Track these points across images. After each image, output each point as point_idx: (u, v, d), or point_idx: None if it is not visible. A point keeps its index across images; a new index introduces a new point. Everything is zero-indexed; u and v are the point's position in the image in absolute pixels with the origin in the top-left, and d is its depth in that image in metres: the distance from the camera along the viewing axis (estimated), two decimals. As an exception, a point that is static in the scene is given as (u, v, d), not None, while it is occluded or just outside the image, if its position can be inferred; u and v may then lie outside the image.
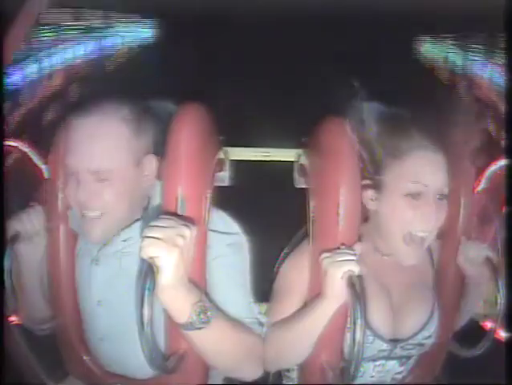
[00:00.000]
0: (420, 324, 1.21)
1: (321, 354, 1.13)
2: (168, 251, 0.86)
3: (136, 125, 1.11)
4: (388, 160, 1.12)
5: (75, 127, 1.09)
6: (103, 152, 1.07)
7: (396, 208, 1.11)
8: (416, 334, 1.20)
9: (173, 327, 1.01)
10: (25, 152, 1.36)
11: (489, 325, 1.21)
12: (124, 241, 1.15)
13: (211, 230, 1.10)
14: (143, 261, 0.87)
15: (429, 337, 1.22)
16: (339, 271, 0.99)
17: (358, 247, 1.06)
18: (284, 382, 1.37)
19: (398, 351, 1.20)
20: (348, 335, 1.06)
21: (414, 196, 1.10)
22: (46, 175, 1.26)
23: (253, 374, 1.12)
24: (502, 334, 1.20)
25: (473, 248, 1.20)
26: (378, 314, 1.16)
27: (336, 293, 1.01)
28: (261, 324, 1.13)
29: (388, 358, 1.20)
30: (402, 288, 1.22)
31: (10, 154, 1.36)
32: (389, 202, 1.12)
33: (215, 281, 1.09)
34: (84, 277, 1.20)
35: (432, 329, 1.21)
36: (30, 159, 1.34)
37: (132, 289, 1.04)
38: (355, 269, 0.99)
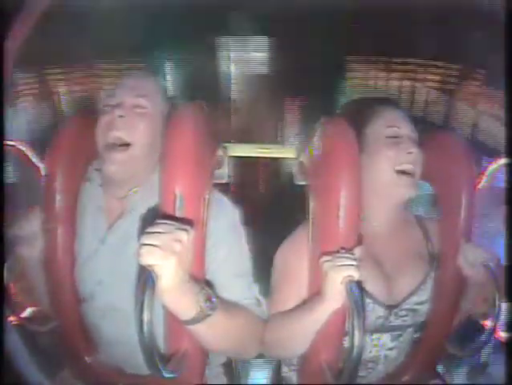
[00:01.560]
0: (412, 288, 1.23)
1: (321, 354, 1.13)
2: (165, 259, 0.86)
3: (165, 96, 1.27)
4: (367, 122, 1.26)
5: (123, 78, 1.27)
6: (147, 87, 1.23)
7: (381, 150, 1.21)
8: (407, 297, 1.23)
9: (173, 329, 1.01)
10: (22, 151, 1.35)
11: (489, 325, 1.21)
12: (130, 212, 1.18)
13: (211, 215, 1.11)
14: (141, 267, 0.86)
15: (422, 303, 1.24)
16: (339, 276, 1.00)
17: (358, 251, 1.06)
18: (284, 382, 1.38)
19: (392, 319, 1.22)
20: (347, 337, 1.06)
21: (394, 138, 1.21)
22: (43, 173, 1.25)
23: (253, 353, 1.17)
24: (502, 334, 1.20)
25: (473, 250, 1.20)
26: (373, 282, 1.18)
27: (335, 296, 1.02)
28: (261, 304, 1.15)
29: (383, 328, 1.22)
30: (393, 256, 1.24)
31: (8, 153, 1.35)
32: (375, 147, 1.22)
33: (214, 264, 1.10)
34: (88, 257, 1.21)
35: (424, 296, 1.24)
36: (28, 157, 1.34)
37: (133, 272, 1.03)
38: (355, 274, 1.00)
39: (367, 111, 1.27)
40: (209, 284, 1.06)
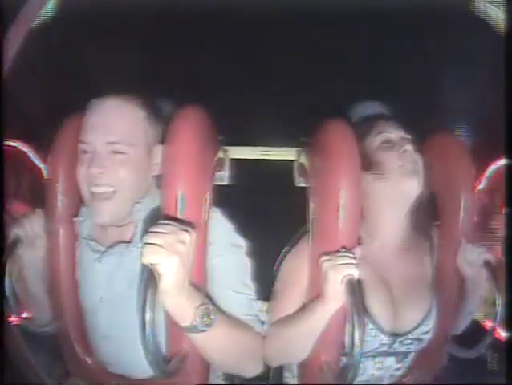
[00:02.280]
0: (419, 319, 1.22)
1: (321, 354, 1.13)
2: (168, 258, 0.86)
3: (149, 114, 1.16)
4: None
5: (95, 107, 1.14)
6: (122, 128, 1.11)
7: (379, 157, 1.21)
8: (415, 328, 1.21)
9: (175, 329, 1.01)
10: (24, 152, 1.36)
11: (489, 325, 1.22)
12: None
13: (211, 230, 1.11)
14: (144, 266, 0.87)
15: (427, 332, 1.23)
16: (339, 275, 1.00)
17: (358, 250, 1.07)
18: (284, 382, 1.38)
19: (397, 346, 1.21)
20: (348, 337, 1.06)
21: (387, 142, 1.22)
22: (45, 175, 1.25)
23: (254, 371, 1.14)
24: (502, 334, 1.20)
25: (473, 251, 1.20)
26: (379, 308, 1.18)
27: (335, 296, 1.02)
28: (261, 321, 1.14)
29: (386, 353, 1.21)
30: (402, 281, 1.23)
31: (9, 154, 1.35)
32: (374, 158, 1.22)
33: (216, 279, 1.10)
34: (86, 274, 1.20)
35: (430, 325, 1.23)
36: (30, 159, 1.34)
37: (133, 286, 1.06)
38: (355, 273, 1.00)
39: (359, 130, 1.25)
40: (210, 297, 1.06)
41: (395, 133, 1.24)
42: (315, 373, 1.15)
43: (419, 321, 1.22)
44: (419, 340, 1.23)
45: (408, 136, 1.25)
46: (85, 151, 1.12)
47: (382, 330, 1.18)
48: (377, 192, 1.21)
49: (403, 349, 1.22)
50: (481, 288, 1.22)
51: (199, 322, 0.93)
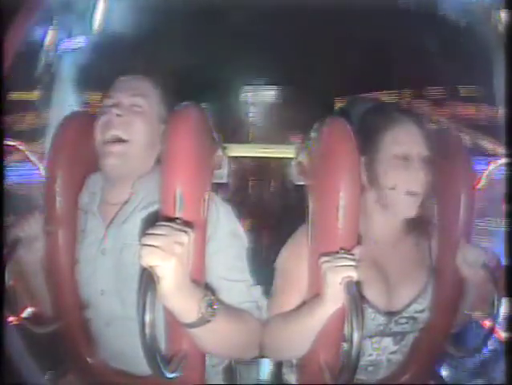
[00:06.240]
0: (412, 295, 1.23)
1: (320, 354, 1.13)
2: (166, 260, 0.86)
3: (162, 94, 1.28)
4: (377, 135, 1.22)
5: (122, 78, 1.28)
6: (142, 88, 1.25)
7: (389, 172, 1.19)
8: (408, 305, 1.22)
9: (174, 330, 1.01)
10: (23, 152, 1.35)
11: (488, 325, 1.21)
12: (124, 222, 1.18)
13: (209, 219, 1.11)
14: (143, 269, 0.86)
15: (422, 311, 1.24)
16: (338, 276, 0.99)
17: (357, 251, 1.06)
18: (283, 382, 1.38)
19: (393, 326, 1.22)
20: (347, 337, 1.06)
21: (401, 158, 1.18)
22: (43, 175, 1.25)
23: (251, 355, 1.17)
24: (502, 334, 1.20)
25: (472, 251, 1.20)
26: (374, 289, 1.19)
27: (334, 297, 1.01)
28: (260, 308, 1.16)
29: (383, 333, 1.22)
30: (397, 264, 1.24)
31: (9, 154, 1.35)
32: (383, 167, 1.20)
33: (213, 270, 1.11)
34: (89, 267, 1.21)
35: (424, 303, 1.24)
36: (28, 158, 1.34)
37: (134, 279, 1.04)
38: (354, 274, 0.99)
39: (382, 119, 1.23)
40: (209, 288, 1.06)
41: (415, 149, 1.19)
42: (314, 372, 1.14)
43: (412, 298, 1.23)
44: (413, 319, 1.23)
45: (430, 154, 1.20)
46: (108, 105, 1.21)
47: (379, 312, 1.19)
48: (373, 200, 1.22)
49: (398, 329, 1.23)
50: (481, 288, 1.22)
51: (205, 314, 0.94)
